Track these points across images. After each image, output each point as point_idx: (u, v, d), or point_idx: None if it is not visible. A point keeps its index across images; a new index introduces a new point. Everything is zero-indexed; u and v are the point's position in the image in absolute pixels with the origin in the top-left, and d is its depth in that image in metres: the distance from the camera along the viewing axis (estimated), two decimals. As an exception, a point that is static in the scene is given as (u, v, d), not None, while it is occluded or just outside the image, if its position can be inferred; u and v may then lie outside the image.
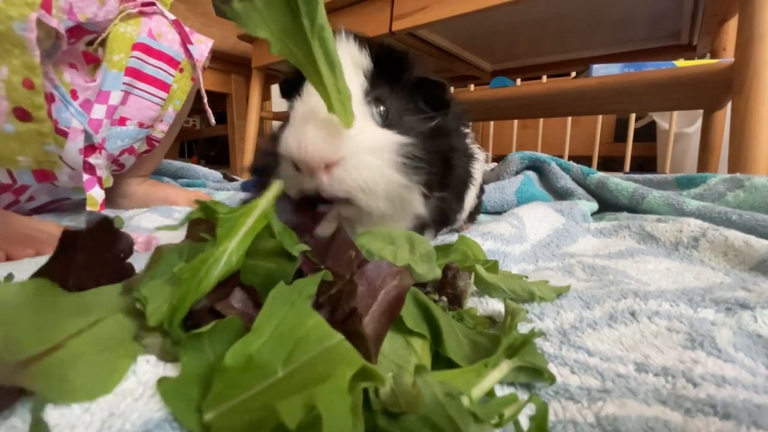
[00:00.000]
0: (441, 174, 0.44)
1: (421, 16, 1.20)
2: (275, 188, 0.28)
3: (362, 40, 0.44)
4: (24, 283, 0.24)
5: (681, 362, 0.26)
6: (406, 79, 0.45)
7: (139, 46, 0.81)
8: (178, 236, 0.29)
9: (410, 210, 0.44)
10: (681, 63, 1.13)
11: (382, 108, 0.42)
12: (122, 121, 0.81)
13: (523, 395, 0.24)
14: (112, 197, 0.95)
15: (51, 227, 0.63)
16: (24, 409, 0.17)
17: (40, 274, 0.26)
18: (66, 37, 0.65)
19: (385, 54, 0.44)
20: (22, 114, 0.63)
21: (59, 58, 0.68)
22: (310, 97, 0.38)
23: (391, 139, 0.40)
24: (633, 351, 0.28)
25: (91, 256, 0.27)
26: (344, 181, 0.38)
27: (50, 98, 0.66)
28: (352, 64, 0.42)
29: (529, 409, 0.21)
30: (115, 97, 0.77)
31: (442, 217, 0.55)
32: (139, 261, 0.46)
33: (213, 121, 0.97)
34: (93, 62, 0.76)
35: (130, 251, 0.30)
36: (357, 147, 0.38)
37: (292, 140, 0.37)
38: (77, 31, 0.68)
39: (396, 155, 0.39)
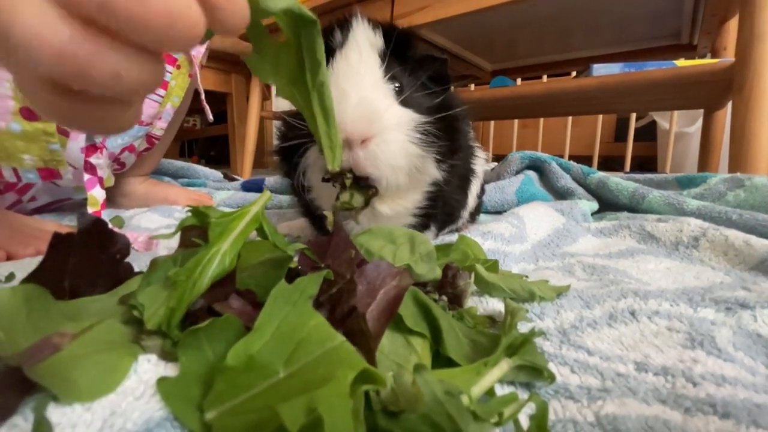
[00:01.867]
0: (450, 142, 0.47)
1: (421, 16, 1.20)
2: (265, 195, 0.29)
3: (375, 23, 0.47)
4: (15, 289, 0.23)
5: (681, 361, 0.26)
6: (412, 56, 0.48)
7: None
8: (176, 239, 0.30)
9: (427, 177, 0.47)
10: (681, 62, 1.13)
11: (396, 85, 0.45)
12: None
13: (523, 394, 0.24)
14: (112, 196, 0.96)
15: (52, 227, 0.63)
16: (26, 408, 0.17)
17: (32, 278, 0.25)
18: None
19: (391, 33, 0.46)
20: (28, 113, 0.64)
21: None
22: (340, 74, 0.43)
23: (410, 116, 0.43)
24: (633, 350, 0.28)
25: (85, 257, 0.27)
26: (378, 157, 0.41)
27: None
28: (369, 45, 0.45)
29: (529, 408, 0.21)
30: None
31: (447, 211, 0.57)
32: (139, 261, 0.46)
33: (211, 117, 0.97)
34: None
35: (126, 252, 0.30)
36: (386, 124, 0.41)
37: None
38: None
39: (414, 131, 0.43)
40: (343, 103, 0.40)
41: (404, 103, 0.44)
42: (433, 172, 0.47)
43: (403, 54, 0.47)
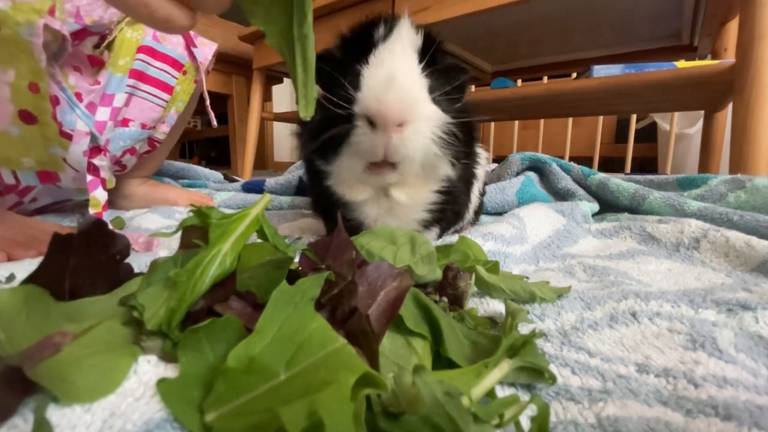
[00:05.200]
0: (465, 147, 0.50)
1: (421, 17, 1.20)
2: (266, 198, 0.29)
3: (417, 25, 0.49)
4: (15, 290, 0.23)
5: (682, 363, 0.26)
6: (441, 62, 0.50)
7: (143, 49, 0.81)
8: (176, 240, 0.30)
9: (441, 173, 0.49)
10: (682, 64, 1.13)
11: (428, 83, 0.47)
12: (125, 123, 0.81)
13: (524, 396, 0.24)
14: (112, 198, 0.96)
15: (53, 228, 0.63)
16: (26, 409, 0.17)
17: (32, 279, 0.25)
18: (71, 40, 0.65)
19: (428, 38, 0.49)
20: (27, 117, 0.64)
21: (64, 61, 0.69)
22: (385, 61, 0.45)
23: (439, 113, 0.46)
24: (634, 352, 0.28)
25: (85, 258, 0.27)
26: (410, 142, 0.43)
27: (55, 101, 0.67)
28: (410, 42, 0.47)
29: (530, 410, 0.21)
30: (119, 100, 0.77)
31: (455, 210, 0.58)
32: (139, 262, 0.46)
33: (215, 123, 0.97)
34: (97, 65, 0.76)
35: (126, 253, 0.30)
36: (421, 114, 0.44)
37: (373, 99, 0.42)
38: (82, 33, 0.68)
39: (439, 129, 0.45)
40: (387, 84, 0.42)
41: (433, 102, 0.46)
42: (448, 170, 0.49)
43: (434, 59, 0.49)
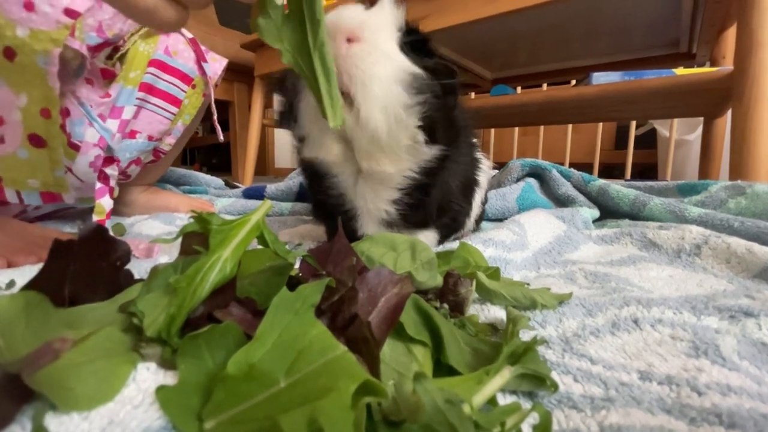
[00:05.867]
0: (443, 128, 0.46)
1: (422, 26, 1.21)
2: (266, 204, 0.29)
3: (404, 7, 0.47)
4: (15, 296, 0.23)
5: (685, 371, 0.26)
6: (429, 58, 0.47)
7: (154, 63, 0.82)
8: (176, 247, 0.30)
9: (407, 146, 0.45)
10: (681, 71, 1.14)
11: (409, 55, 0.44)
12: (132, 134, 0.82)
13: (525, 404, 0.24)
14: (114, 205, 0.96)
15: (53, 234, 0.63)
16: (23, 417, 0.17)
17: (32, 285, 0.25)
18: (89, 55, 0.66)
19: (413, 30, 0.47)
20: (37, 141, 0.65)
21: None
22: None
23: (407, 63, 0.43)
24: (636, 359, 0.28)
25: (86, 265, 0.27)
26: (356, 60, 0.40)
27: (65, 113, 0.67)
28: (391, 15, 0.44)
29: (533, 418, 0.21)
30: (128, 112, 0.78)
31: (451, 216, 0.57)
32: (139, 268, 0.46)
33: (221, 137, 0.99)
34: (109, 77, 0.77)
35: (126, 259, 0.30)
36: (378, 41, 0.41)
37: (329, 19, 0.39)
38: (100, 45, 0.69)
39: (406, 78, 0.42)
40: (348, 9, 0.41)
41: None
42: (423, 149, 0.45)
43: (420, 50, 0.46)
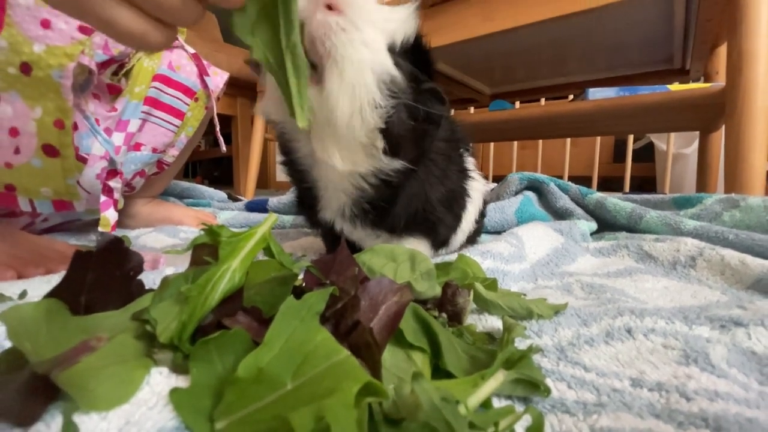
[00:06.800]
0: (409, 147, 0.44)
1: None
2: (272, 217, 0.30)
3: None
4: (37, 304, 0.25)
5: (675, 377, 0.26)
6: (425, 78, 0.46)
7: (158, 77, 0.85)
8: (185, 258, 0.31)
9: (363, 145, 0.43)
10: (675, 87, 1.16)
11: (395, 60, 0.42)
12: (137, 147, 0.84)
13: (520, 408, 0.25)
14: (118, 217, 0.97)
15: (61, 246, 0.64)
16: (47, 415, 0.18)
17: (53, 294, 0.26)
18: (97, 72, 0.69)
19: (418, 41, 0.45)
20: (50, 151, 0.68)
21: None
22: None
23: (388, 62, 0.40)
24: (629, 367, 0.29)
25: (102, 275, 0.28)
26: (330, 30, 0.37)
27: (73, 126, 0.70)
28: (385, 18, 0.42)
29: (526, 421, 0.22)
30: (133, 125, 0.80)
31: (435, 229, 0.55)
32: (145, 279, 0.48)
33: (224, 149, 1.01)
34: (114, 92, 0.80)
35: (139, 270, 0.31)
36: (361, 21, 0.38)
37: None
38: (106, 62, 0.72)
39: (384, 76, 0.40)
40: None
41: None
42: (380, 155, 0.43)
43: (419, 67, 0.45)
